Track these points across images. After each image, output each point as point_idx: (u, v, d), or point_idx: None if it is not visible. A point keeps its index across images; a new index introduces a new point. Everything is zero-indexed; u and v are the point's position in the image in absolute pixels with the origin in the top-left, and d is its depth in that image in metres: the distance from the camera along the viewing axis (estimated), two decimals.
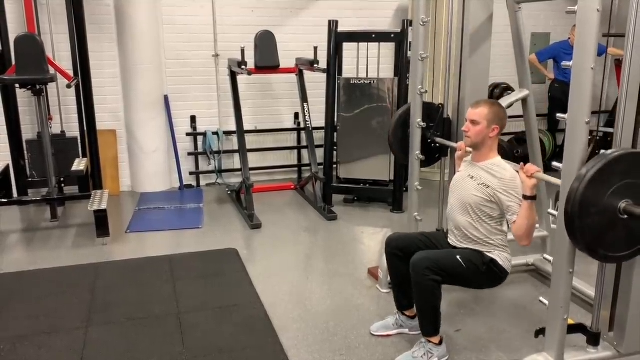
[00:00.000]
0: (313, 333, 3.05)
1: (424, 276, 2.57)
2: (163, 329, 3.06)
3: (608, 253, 2.20)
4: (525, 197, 2.46)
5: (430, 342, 2.72)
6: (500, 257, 2.68)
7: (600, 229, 2.13)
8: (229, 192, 5.69)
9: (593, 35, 2.12)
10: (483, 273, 2.66)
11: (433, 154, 3.56)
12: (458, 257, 2.64)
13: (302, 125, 6.09)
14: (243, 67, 4.85)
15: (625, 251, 2.22)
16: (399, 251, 2.85)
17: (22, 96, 5.12)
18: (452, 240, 2.81)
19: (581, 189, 2.07)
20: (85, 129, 5.23)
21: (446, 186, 3.06)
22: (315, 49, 5.12)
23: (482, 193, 2.63)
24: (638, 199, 2.13)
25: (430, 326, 2.70)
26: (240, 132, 5.28)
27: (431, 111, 3.46)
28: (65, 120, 5.46)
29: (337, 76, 5.34)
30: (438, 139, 3.46)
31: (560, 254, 2.36)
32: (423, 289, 2.60)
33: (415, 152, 3.42)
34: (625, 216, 2.12)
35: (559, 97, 6.24)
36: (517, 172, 2.54)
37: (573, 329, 2.54)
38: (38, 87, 4.47)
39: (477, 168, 2.71)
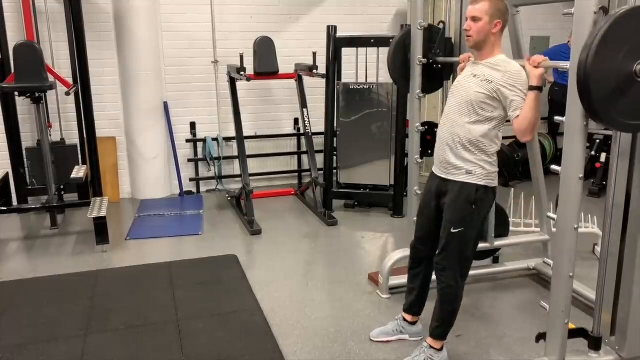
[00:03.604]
0: (313, 339, 3.03)
1: (453, 286, 2.64)
2: (162, 337, 3.05)
3: (625, 120, 2.09)
4: (531, 88, 2.38)
5: (432, 347, 2.71)
6: (485, 174, 2.54)
7: (614, 95, 2.02)
8: (229, 198, 5.68)
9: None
10: (476, 208, 2.55)
11: (436, 78, 3.41)
12: (452, 229, 2.56)
13: (301, 131, 6.09)
14: (242, 73, 4.86)
15: None
16: (430, 252, 2.77)
17: (22, 104, 5.14)
18: (437, 171, 2.68)
19: (591, 54, 1.95)
20: (84, 136, 5.23)
21: None
22: (314, 54, 5.14)
23: (484, 88, 2.48)
24: None
25: (443, 331, 2.72)
26: (240, 138, 5.28)
27: (432, 33, 3.33)
28: (65, 127, 5.48)
29: (336, 81, 5.33)
30: (440, 59, 3.32)
31: (560, 258, 2.34)
32: (448, 294, 2.65)
33: (415, 156, 3.41)
34: None
35: (559, 100, 6.23)
36: (523, 67, 2.45)
37: (574, 333, 2.53)
38: (37, 94, 4.47)
39: (480, 66, 2.56)
